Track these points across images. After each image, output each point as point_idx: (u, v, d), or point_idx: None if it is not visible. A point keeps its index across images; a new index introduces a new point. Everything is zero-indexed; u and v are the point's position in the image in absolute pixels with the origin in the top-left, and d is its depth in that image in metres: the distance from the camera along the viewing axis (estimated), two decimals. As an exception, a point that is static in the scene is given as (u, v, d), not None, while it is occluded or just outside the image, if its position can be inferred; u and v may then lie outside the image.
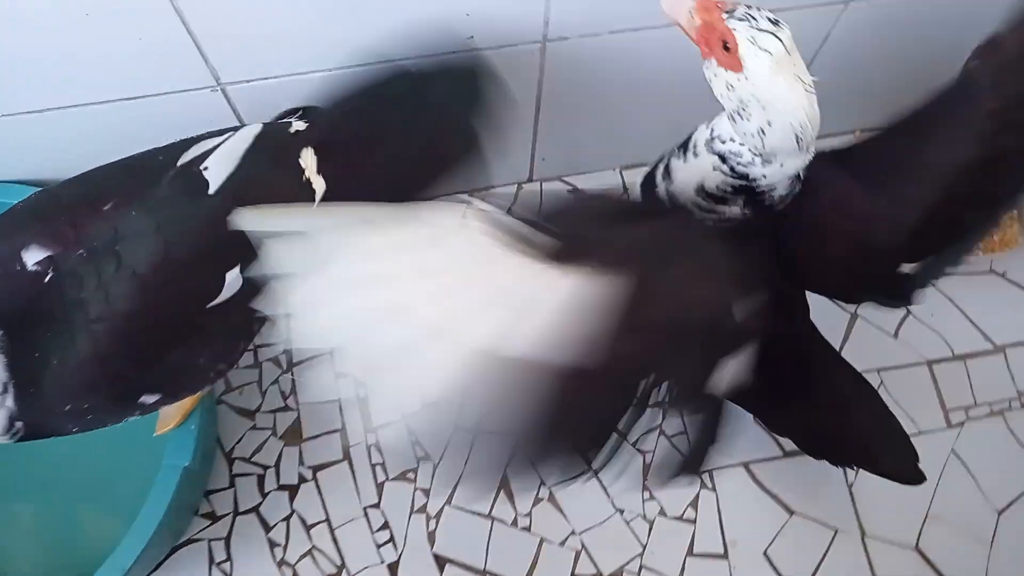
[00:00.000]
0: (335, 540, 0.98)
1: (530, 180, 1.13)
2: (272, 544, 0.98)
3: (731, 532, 0.98)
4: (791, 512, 0.99)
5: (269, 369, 1.04)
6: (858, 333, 1.06)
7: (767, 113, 0.56)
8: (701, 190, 0.64)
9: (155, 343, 0.64)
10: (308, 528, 0.98)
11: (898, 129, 0.69)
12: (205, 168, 0.65)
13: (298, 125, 0.71)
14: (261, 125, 0.70)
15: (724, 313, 0.53)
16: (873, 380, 1.03)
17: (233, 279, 0.65)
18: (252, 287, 0.67)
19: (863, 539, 0.98)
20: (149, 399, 0.68)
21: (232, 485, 1.00)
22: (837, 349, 1.03)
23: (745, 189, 0.62)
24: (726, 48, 0.55)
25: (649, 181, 0.70)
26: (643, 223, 0.58)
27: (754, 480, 1.00)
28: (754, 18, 0.54)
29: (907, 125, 0.69)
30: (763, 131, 0.57)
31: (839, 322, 1.06)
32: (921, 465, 1.00)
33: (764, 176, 0.61)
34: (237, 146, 0.67)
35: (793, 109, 0.55)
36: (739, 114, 0.58)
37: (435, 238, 0.47)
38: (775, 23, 0.55)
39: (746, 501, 0.99)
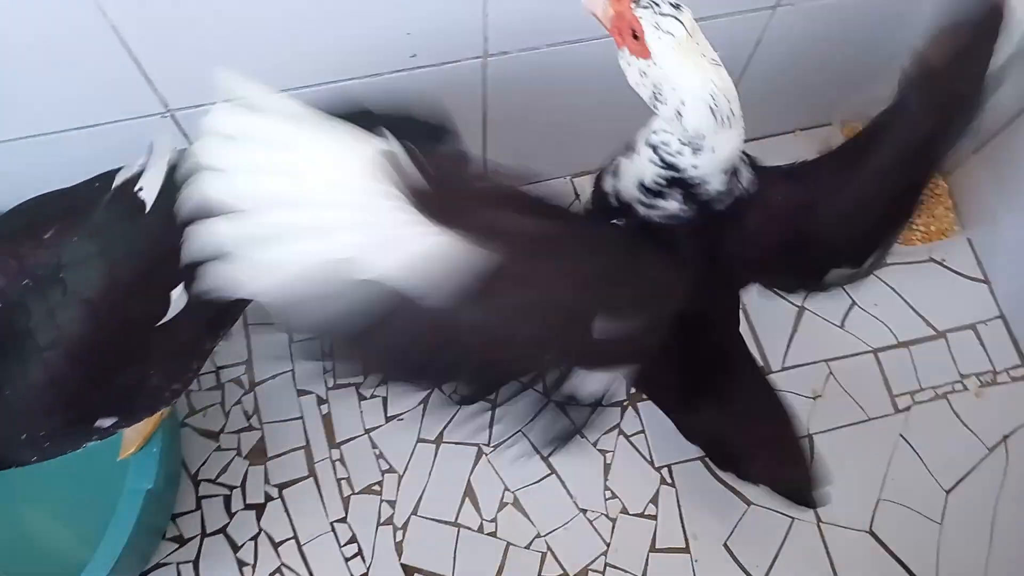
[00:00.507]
0: (303, 556, 0.99)
1: (483, 192, 1.15)
2: (241, 564, 0.98)
3: (691, 526, 1.01)
4: (748, 503, 1.02)
5: (232, 390, 1.05)
6: (806, 325, 1.09)
7: (679, 93, 0.58)
8: (641, 185, 0.66)
9: (106, 365, 0.65)
10: (276, 546, 0.99)
11: (847, 148, 0.72)
12: (140, 189, 0.66)
13: None
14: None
15: (579, 324, 0.55)
16: (822, 371, 1.07)
17: (177, 297, 0.66)
18: (199, 304, 0.68)
19: (819, 525, 1.01)
20: (106, 422, 0.69)
21: (199, 507, 1.00)
22: (786, 342, 1.07)
23: (678, 181, 0.64)
24: (635, 36, 0.57)
25: (599, 180, 0.72)
26: (544, 217, 0.61)
27: (712, 473, 1.03)
28: (657, 4, 0.56)
29: (854, 145, 0.72)
30: (680, 112, 0.59)
31: (787, 315, 1.10)
32: (871, 450, 1.04)
33: (694, 167, 0.62)
34: (162, 163, 0.68)
35: (702, 83, 0.57)
36: (656, 100, 0.60)
37: (339, 157, 0.49)
38: (676, 7, 0.57)
39: (705, 494, 1.02)
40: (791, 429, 0.82)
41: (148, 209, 0.65)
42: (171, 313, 0.66)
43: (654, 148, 0.64)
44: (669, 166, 0.64)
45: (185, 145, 0.71)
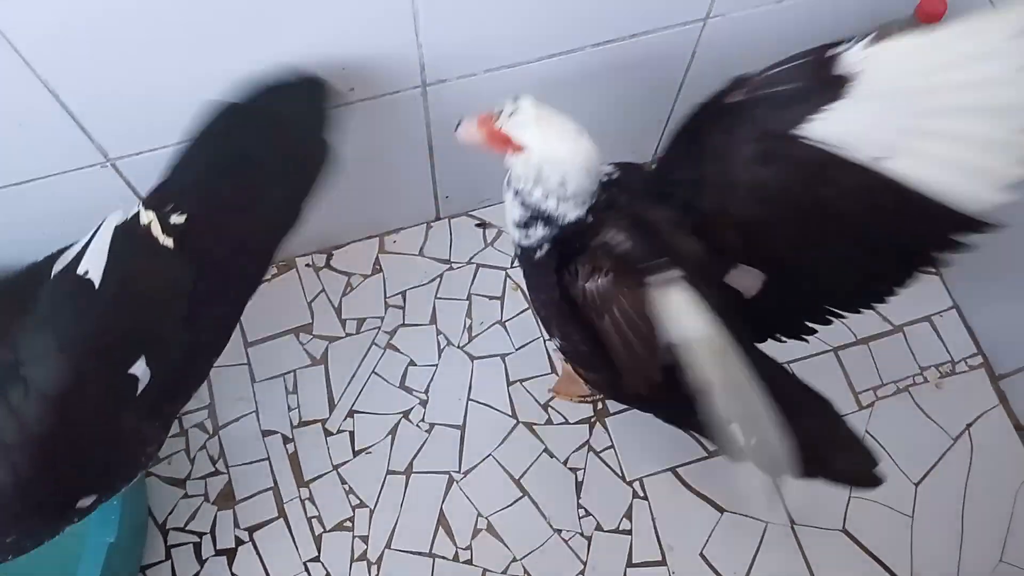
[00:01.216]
0: (278, 599, 0.98)
1: (438, 219, 1.16)
2: (215, 611, 0.97)
3: (667, 537, 1.01)
4: (722, 511, 1.02)
5: (195, 435, 1.04)
6: (765, 330, 1.10)
7: (559, 167, 0.68)
8: (514, 222, 0.75)
9: (78, 454, 0.63)
10: (249, 590, 0.98)
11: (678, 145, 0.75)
12: (86, 272, 0.64)
13: (176, 219, 0.70)
14: (121, 212, 0.69)
15: None
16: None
17: (142, 372, 0.65)
18: (165, 374, 0.68)
19: (792, 527, 1.01)
20: (86, 502, 0.68)
21: (168, 557, 0.99)
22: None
23: (541, 216, 0.72)
24: (508, 142, 0.68)
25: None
26: None
27: (683, 484, 1.03)
28: (505, 110, 0.67)
29: (683, 144, 0.74)
30: (564, 183, 0.69)
31: (746, 321, 1.11)
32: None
33: (556, 208, 0.71)
34: (103, 241, 0.66)
35: (574, 155, 0.67)
36: (540, 179, 0.69)
37: None
38: (515, 99, 0.67)
39: (678, 505, 1.02)
40: (836, 416, 0.83)
41: (97, 287, 0.64)
42: (138, 389, 0.65)
43: (516, 192, 0.73)
44: (533, 209, 0.72)
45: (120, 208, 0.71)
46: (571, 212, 0.71)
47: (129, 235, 0.67)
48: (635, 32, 0.88)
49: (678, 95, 1.04)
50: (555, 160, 0.67)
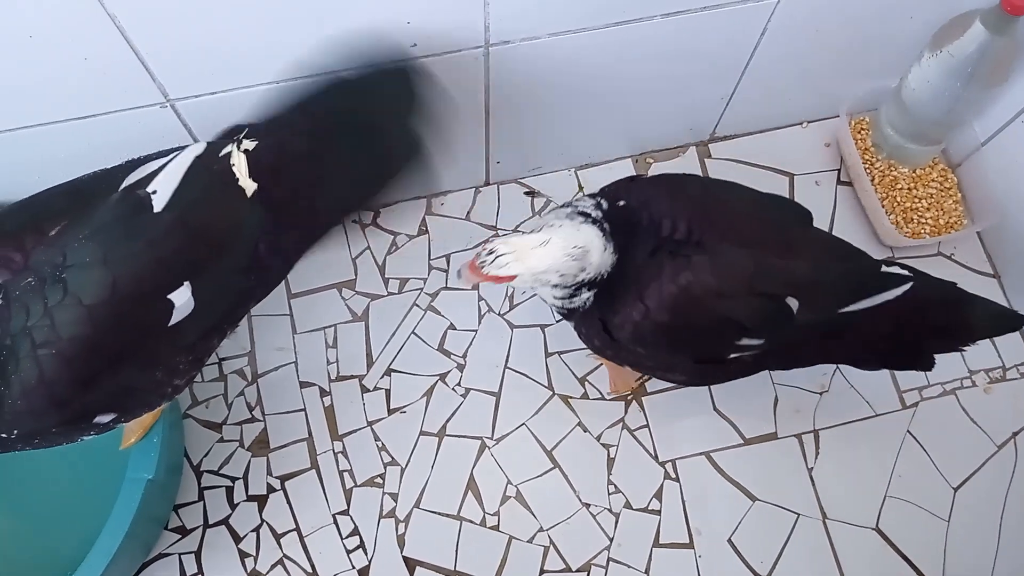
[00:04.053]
0: (305, 548, 0.99)
1: (487, 184, 1.15)
2: (243, 555, 0.98)
3: (695, 521, 1.00)
4: (753, 499, 1.01)
5: (234, 381, 1.05)
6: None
7: (546, 275, 0.75)
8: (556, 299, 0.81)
9: (103, 368, 0.64)
10: (278, 537, 0.99)
11: None
12: (154, 192, 0.65)
13: (246, 144, 0.71)
14: (204, 144, 0.70)
15: None
16: (829, 367, 1.06)
17: (184, 301, 0.66)
18: (207, 306, 0.68)
19: (824, 521, 1.00)
20: (104, 419, 0.69)
21: (201, 498, 1.00)
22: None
23: (584, 284, 0.78)
24: (501, 279, 0.75)
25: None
26: None
27: (716, 469, 1.02)
28: (487, 251, 0.74)
29: None
30: (554, 284, 0.77)
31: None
32: (878, 446, 1.03)
33: (596, 272, 0.77)
34: (180, 166, 0.67)
35: (552, 260, 0.74)
36: (540, 285, 0.78)
37: None
38: (489, 252, 0.74)
39: (709, 490, 1.01)
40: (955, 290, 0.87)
41: (159, 210, 0.65)
42: (177, 318, 0.66)
43: (554, 285, 0.79)
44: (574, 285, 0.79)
45: (194, 142, 0.71)
46: (607, 264, 0.77)
47: (207, 169, 0.68)
48: (707, 4, 0.86)
49: (743, 73, 1.01)
50: (541, 268, 0.74)
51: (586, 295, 0.79)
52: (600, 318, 0.80)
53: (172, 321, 0.66)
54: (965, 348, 0.89)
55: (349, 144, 0.76)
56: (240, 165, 0.69)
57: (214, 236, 0.67)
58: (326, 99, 0.78)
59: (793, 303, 0.78)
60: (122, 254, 0.63)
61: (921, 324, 0.85)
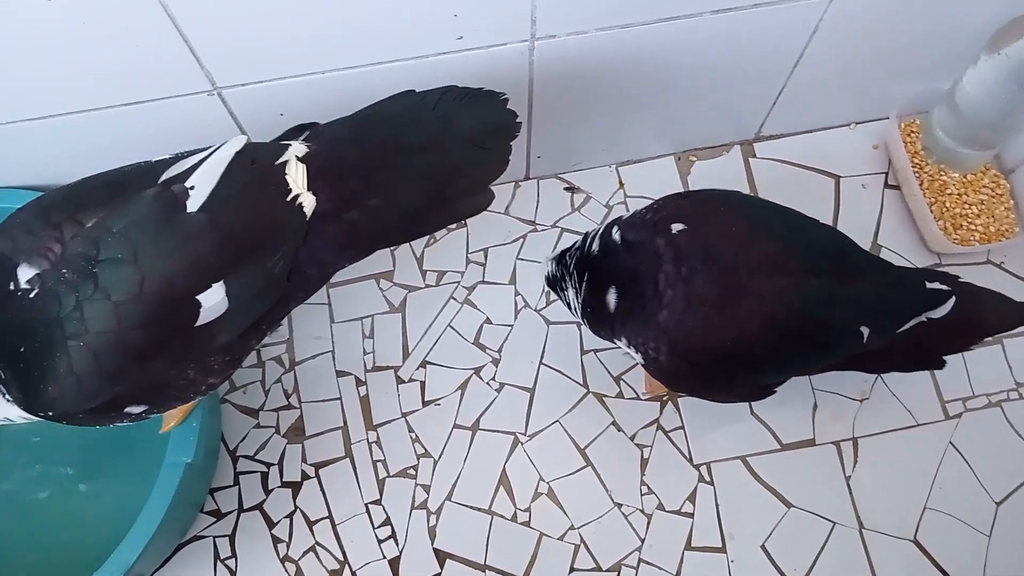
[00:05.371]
0: (337, 536, 0.99)
1: (527, 178, 1.14)
2: (276, 540, 0.99)
3: (729, 525, 0.99)
4: (789, 505, 0.99)
5: (272, 368, 1.06)
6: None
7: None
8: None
9: (130, 363, 0.64)
10: (311, 524, 1.00)
11: None
12: (191, 187, 0.65)
13: (297, 148, 0.70)
14: (244, 140, 0.69)
15: None
16: (870, 375, 1.04)
17: (216, 302, 0.65)
18: (244, 307, 0.68)
19: (861, 531, 0.98)
20: (135, 410, 0.69)
21: (236, 482, 1.02)
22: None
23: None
24: None
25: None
26: None
27: (751, 473, 1.01)
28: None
29: None
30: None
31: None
32: (919, 457, 1.01)
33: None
34: (219, 162, 0.66)
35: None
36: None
37: None
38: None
39: (744, 495, 1.00)
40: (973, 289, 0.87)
41: (195, 208, 0.64)
42: (208, 317, 0.65)
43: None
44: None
45: (239, 135, 0.70)
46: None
47: (247, 168, 0.67)
48: (758, 1, 0.85)
49: (792, 72, 0.99)
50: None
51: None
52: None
53: (201, 321, 0.66)
54: (973, 347, 0.89)
55: (409, 159, 0.73)
56: (296, 175, 0.68)
57: (250, 239, 0.66)
58: (390, 110, 0.75)
59: (865, 330, 0.77)
60: (152, 252, 0.63)
61: (939, 330, 0.84)
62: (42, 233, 0.63)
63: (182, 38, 0.75)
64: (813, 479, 1.00)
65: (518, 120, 0.78)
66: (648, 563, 0.97)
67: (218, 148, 0.68)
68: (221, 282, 0.65)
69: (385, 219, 0.73)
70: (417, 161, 0.73)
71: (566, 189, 1.14)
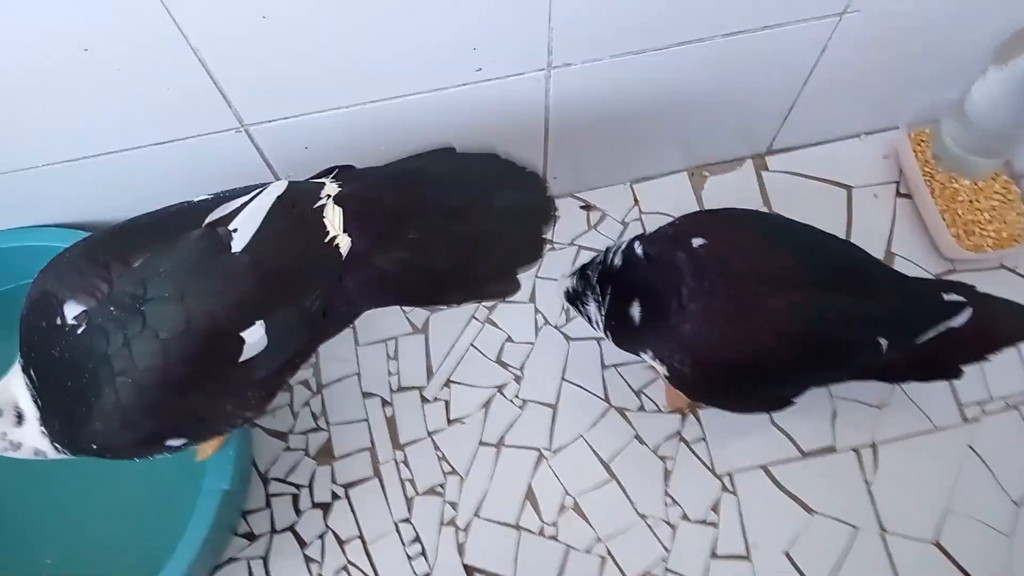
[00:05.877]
0: (368, 555, 1.01)
1: (543, 198, 1.16)
2: (308, 560, 1.01)
3: (753, 534, 1.00)
4: (811, 512, 1.01)
5: (300, 391, 1.09)
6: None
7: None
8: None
9: (174, 397, 0.67)
10: (342, 544, 1.02)
11: None
12: (234, 230, 0.67)
13: (330, 188, 0.72)
14: (287, 182, 0.72)
15: None
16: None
17: (257, 339, 0.67)
18: (281, 343, 0.70)
19: (883, 536, 1.00)
20: (175, 443, 0.72)
21: (268, 505, 1.04)
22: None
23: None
24: None
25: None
26: None
27: (773, 482, 1.02)
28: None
29: None
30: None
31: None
32: (939, 461, 1.02)
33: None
34: (262, 205, 0.69)
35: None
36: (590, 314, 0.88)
37: None
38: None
39: (766, 503, 1.02)
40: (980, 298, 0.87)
41: (238, 250, 0.67)
42: (249, 353, 0.68)
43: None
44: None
45: (282, 179, 0.73)
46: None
47: (288, 211, 0.69)
48: (768, 24, 0.87)
49: (802, 89, 1.01)
50: None
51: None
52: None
53: (243, 357, 0.68)
54: (990, 358, 0.89)
55: (441, 230, 0.74)
56: (333, 217, 0.70)
57: (290, 278, 0.69)
58: (431, 173, 0.77)
59: (884, 342, 0.78)
60: (198, 291, 0.65)
61: (956, 340, 0.86)
62: (89, 272, 0.66)
63: (212, 81, 0.78)
64: (835, 486, 1.02)
65: (556, 211, 0.80)
66: (674, 572, 0.99)
67: (261, 191, 0.70)
68: (262, 320, 0.67)
69: (411, 273, 0.74)
70: (451, 225, 0.75)
71: (582, 207, 1.16)
